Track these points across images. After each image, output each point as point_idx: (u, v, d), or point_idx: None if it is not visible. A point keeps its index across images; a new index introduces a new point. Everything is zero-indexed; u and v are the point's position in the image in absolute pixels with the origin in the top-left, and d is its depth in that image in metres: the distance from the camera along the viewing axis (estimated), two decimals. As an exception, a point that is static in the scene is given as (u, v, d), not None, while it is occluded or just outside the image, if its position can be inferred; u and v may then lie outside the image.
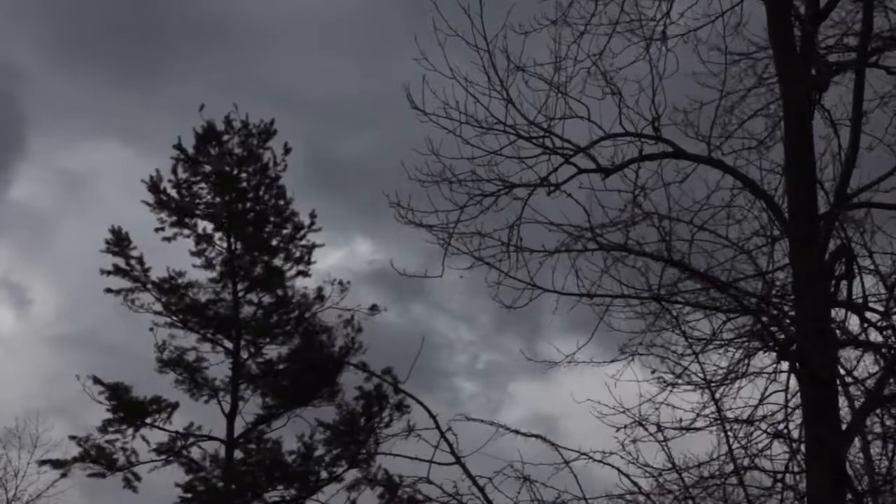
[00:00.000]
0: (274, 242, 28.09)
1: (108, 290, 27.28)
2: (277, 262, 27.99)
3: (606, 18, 11.40)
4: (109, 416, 26.54)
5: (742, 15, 11.37)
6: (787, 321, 11.10)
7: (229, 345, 27.29)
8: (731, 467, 11.28)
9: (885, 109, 11.30)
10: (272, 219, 28.32)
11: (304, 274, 28.14)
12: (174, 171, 27.95)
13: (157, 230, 27.73)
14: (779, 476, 11.35)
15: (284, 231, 28.26)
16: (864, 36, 11.04)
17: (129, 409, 26.43)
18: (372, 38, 49.78)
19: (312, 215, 28.54)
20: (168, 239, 27.81)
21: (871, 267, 11.44)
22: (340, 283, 28.00)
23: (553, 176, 11.19)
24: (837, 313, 11.21)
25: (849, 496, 10.67)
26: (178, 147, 27.94)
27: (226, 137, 28.27)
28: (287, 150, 28.52)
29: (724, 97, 11.37)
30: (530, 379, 45.11)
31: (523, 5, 11.15)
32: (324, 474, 26.87)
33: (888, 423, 11.57)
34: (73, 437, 26.43)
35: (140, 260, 27.41)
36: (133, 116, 48.74)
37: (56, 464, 26.69)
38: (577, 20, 11.42)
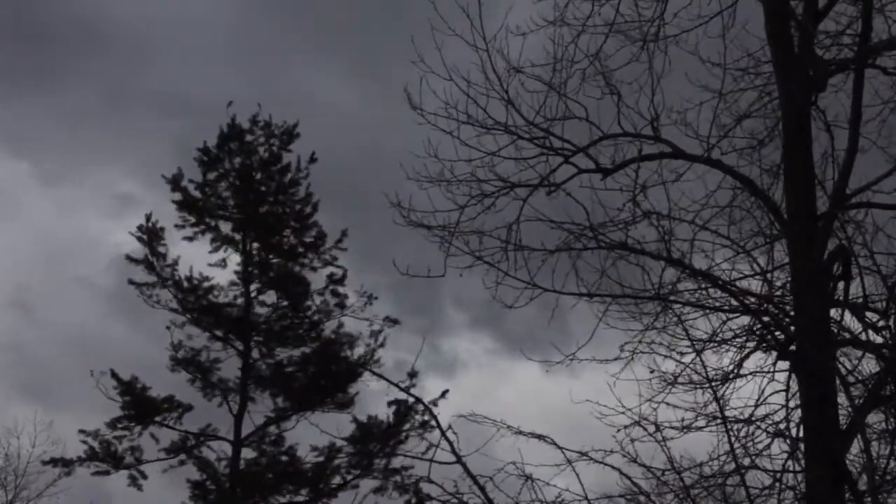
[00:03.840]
0: (294, 248, 28.02)
1: (131, 282, 27.39)
2: (296, 267, 27.96)
3: (602, 20, 11.47)
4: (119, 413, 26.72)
5: (737, 15, 11.38)
6: (787, 321, 11.11)
7: (240, 345, 27.34)
8: (731, 467, 11.31)
9: (884, 109, 11.26)
10: (292, 223, 28.28)
11: (336, 294, 28.08)
12: (203, 173, 27.95)
13: (177, 227, 27.84)
14: (779, 475, 11.36)
15: (306, 239, 28.21)
16: (864, 35, 11.02)
17: (139, 406, 26.53)
18: (252, 45, 50.27)
19: (344, 234, 28.39)
20: (189, 238, 27.92)
21: (874, 267, 11.41)
22: (369, 296, 27.96)
23: (552, 176, 11.25)
24: (836, 313, 11.20)
25: (849, 495, 10.66)
26: (203, 150, 27.96)
27: (249, 137, 28.29)
28: (313, 159, 28.46)
29: (722, 97, 11.40)
30: (437, 377, 45.13)
31: (520, 6, 11.23)
32: (337, 479, 26.92)
33: (888, 421, 11.56)
34: (81, 431, 26.59)
35: (164, 256, 27.50)
36: (23, 127, 49.03)
37: (61, 462, 26.82)
38: (573, 21, 11.48)
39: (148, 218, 27.45)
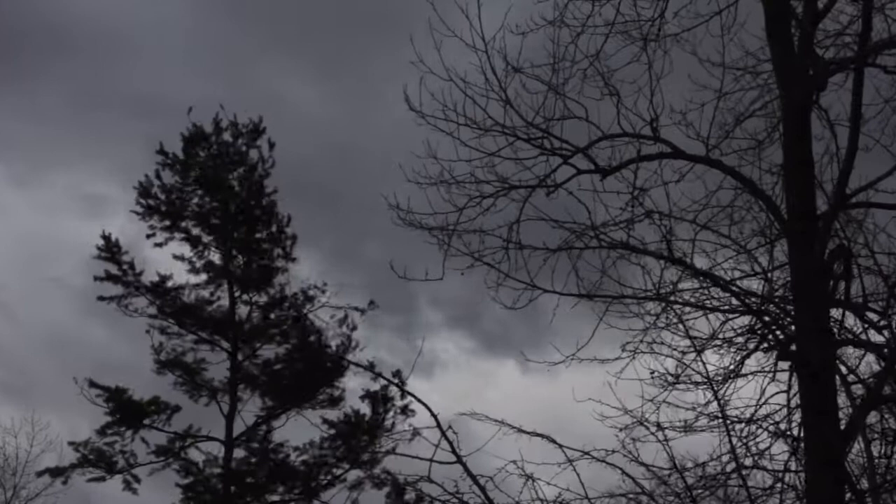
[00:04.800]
0: (264, 244, 28.06)
1: (101, 298, 27.33)
2: (266, 261, 27.99)
3: (602, 19, 11.43)
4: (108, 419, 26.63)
5: (738, 15, 11.36)
6: (788, 320, 11.10)
7: (227, 346, 27.30)
8: (732, 466, 11.31)
9: (885, 109, 11.25)
10: (261, 217, 28.30)
11: (285, 270, 28.16)
12: (158, 176, 27.98)
13: (148, 236, 27.85)
14: (780, 475, 11.38)
15: (270, 231, 28.25)
16: (863, 35, 11.03)
17: (127, 411, 26.44)
18: (221, 47, 50.52)
19: (287, 218, 28.49)
20: (160, 244, 27.90)
21: (874, 267, 11.43)
22: (328, 286, 27.98)
23: (552, 177, 11.21)
24: (837, 313, 11.21)
25: (849, 495, 10.66)
26: (162, 152, 27.98)
27: (213, 138, 28.30)
28: (272, 146, 28.52)
29: (721, 97, 11.38)
30: (417, 377, 45.13)
31: (520, 6, 11.20)
32: (326, 476, 26.90)
33: (889, 421, 11.59)
34: (71, 443, 26.51)
35: (132, 265, 27.44)
36: None
37: (55, 472, 26.73)
38: (573, 21, 11.44)
39: (105, 235, 27.45)
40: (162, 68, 50.65)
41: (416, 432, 11.24)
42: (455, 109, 11.08)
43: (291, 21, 48.39)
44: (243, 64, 49.30)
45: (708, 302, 11.43)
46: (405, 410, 26.95)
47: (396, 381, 20.52)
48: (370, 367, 24.86)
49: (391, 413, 27.34)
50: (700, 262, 11.41)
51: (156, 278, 27.50)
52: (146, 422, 26.57)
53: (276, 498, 26.83)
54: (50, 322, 44.22)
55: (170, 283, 27.48)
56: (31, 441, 32.85)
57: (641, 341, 11.50)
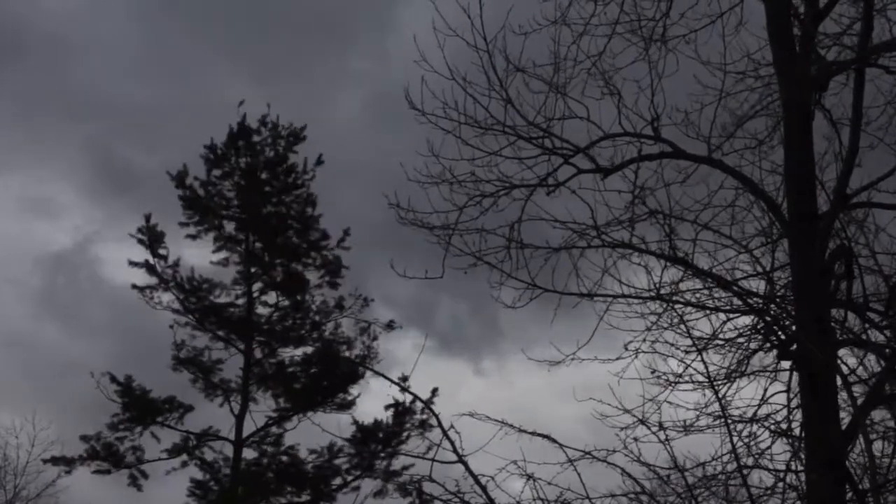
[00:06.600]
0: (297, 249, 28.00)
1: (134, 287, 27.36)
2: (298, 267, 27.95)
3: (606, 19, 11.46)
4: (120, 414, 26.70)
5: (742, 15, 11.36)
6: (789, 320, 11.09)
7: (242, 346, 27.32)
8: (734, 466, 11.30)
9: (887, 109, 11.25)
10: (295, 224, 28.26)
11: (333, 285, 28.08)
12: (207, 172, 27.93)
13: (181, 224, 27.85)
14: (781, 475, 11.37)
15: (309, 239, 28.18)
16: (864, 35, 11.03)
17: (140, 407, 26.51)
18: (165, 52, 52.05)
19: (346, 232, 28.46)
20: (192, 236, 27.93)
21: (875, 267, 11.44)
22: (364, 298, 27.96)
23: (552, 176, 11.23)
24: (838, 313, 11.19)
25: (851, 495, 10.65)
26: (210, 147, 27.97)
27: (256, 138, 28.32)
28: (320, 161, 28.47)
29: (723, 97, 11.38)
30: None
31: (523, 6, 11.22)
32: (338, 480, 26.93)
33: (890, 421, 11.59)
34: (83, 437, 26.58)
35: (166, 258, 27.47)
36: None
37: (62, 461, 26.82)
38: (576, 21, 11.47)
39: (147, 219, 27.43)
40: (109, 72, 51.47)
41: (431, 445, 11.23)
42: (456, 108, 11.12)
43: (237, 25, 49.15)
44: (190, 67, 49.90)
45: (709, 302, 11.43)
46: (423, 425, 26.86)
47: (397, 381, 20.41)
48: (402, 384, 24.85)
49: (407, 424, 27.29)
50: (701, 262, 11.43)
51: (182, 274, 27.53)
52: (159, 419, 26.64)
53: (285, 500, 26.85)
54: (5, 323, 44.78)
55: (195, 281, 27.45)
56: (33, 441, 33.11)
57: (644, 340, 11.52)
